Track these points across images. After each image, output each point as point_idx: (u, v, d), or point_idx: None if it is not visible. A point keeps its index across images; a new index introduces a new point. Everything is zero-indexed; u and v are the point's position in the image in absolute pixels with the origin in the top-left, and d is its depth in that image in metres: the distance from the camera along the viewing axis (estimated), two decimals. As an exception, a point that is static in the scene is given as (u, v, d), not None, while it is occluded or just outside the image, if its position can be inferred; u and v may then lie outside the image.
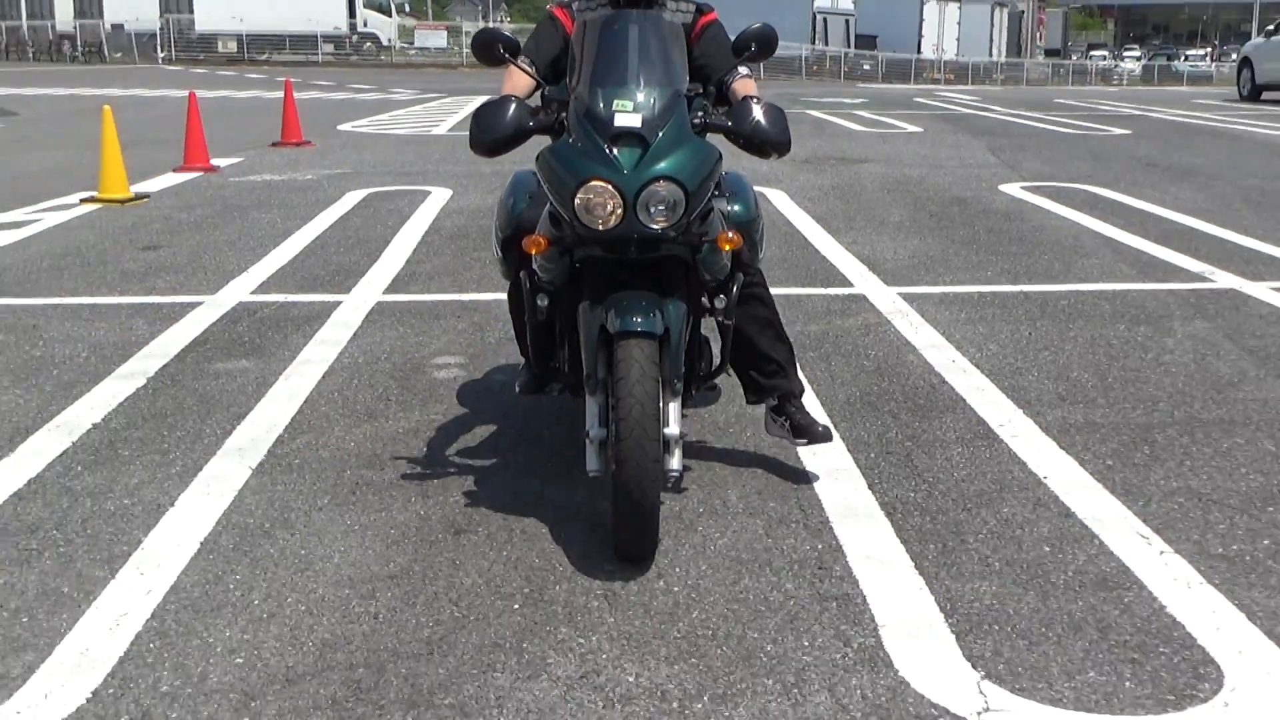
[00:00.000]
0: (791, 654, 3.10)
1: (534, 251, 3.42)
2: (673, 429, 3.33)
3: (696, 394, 3.83)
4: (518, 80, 3.76)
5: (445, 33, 52.75)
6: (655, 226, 3.22)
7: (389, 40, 49.36)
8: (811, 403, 4.97)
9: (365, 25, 48.49)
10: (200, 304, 6.91)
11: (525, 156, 3.69)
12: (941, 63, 52.57)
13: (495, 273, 7.70)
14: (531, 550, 3.71)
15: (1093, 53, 71.53)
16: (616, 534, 3.37)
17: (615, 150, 3.22)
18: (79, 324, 6.48)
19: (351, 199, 10.94)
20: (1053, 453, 4.52)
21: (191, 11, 43.72)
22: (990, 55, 56.31)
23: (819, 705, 2.87)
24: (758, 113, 3.45)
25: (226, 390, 5.33)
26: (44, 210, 10.28)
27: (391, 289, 7.35)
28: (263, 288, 7.35)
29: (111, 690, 2.94)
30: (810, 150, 15.70)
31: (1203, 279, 7.57)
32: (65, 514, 3.99)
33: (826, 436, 4.05)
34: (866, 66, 50.78)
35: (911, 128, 19.93)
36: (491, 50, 3.60)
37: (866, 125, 20.36)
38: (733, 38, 3.81)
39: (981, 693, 2.91)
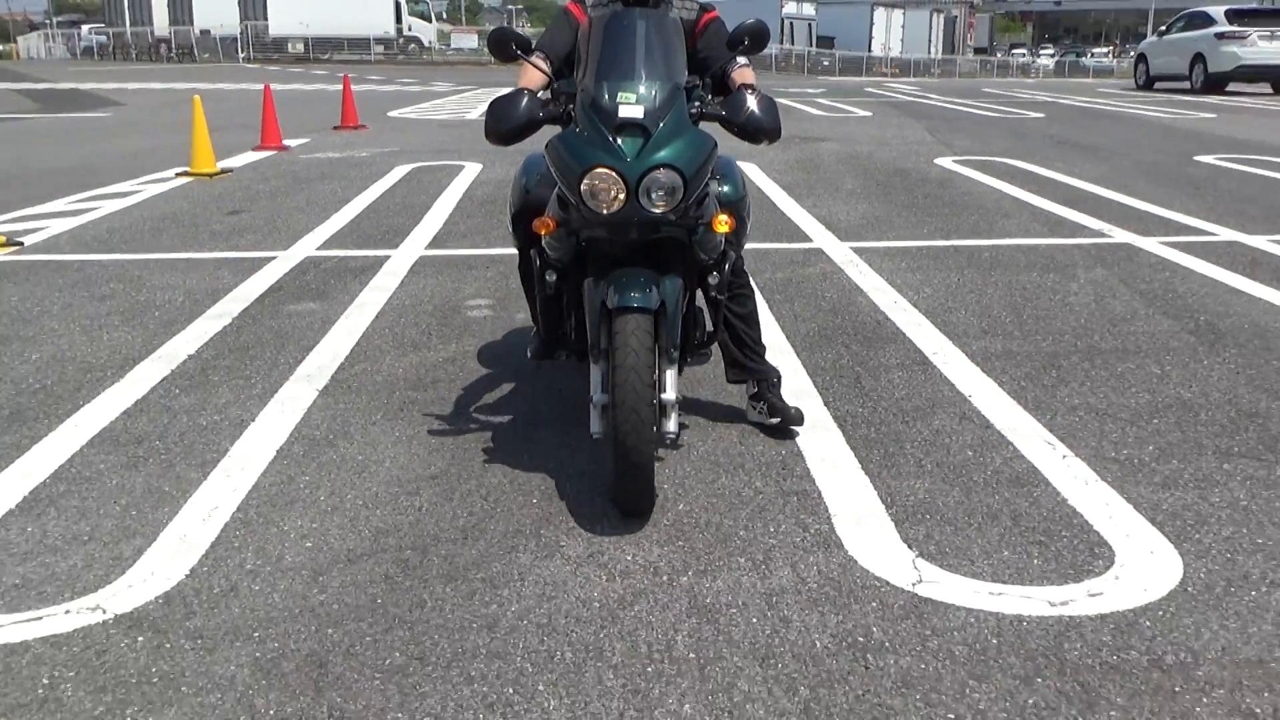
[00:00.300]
0: (760, 538, 3.11)
1: (543, 232, 3.26)
2: (669, 394, 3.14)
3: (692, 360, 3.66)
4: (531, 75, 3.56)
5: (476, 36, 52.25)
6: (655, 210, 3.02)
7: (429, 42, 48.94)
8: (777, 336, 4.98)
9: (410, 30, 48.06)
10: (275, 258, 6.86)
11: (538, 143, 3.61)
12: (888, 59, 51.93)
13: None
14: (547, 458, 3.71)
15: (1014, 50, 70.62)
16: (616, 491, 3.15)
17: (619, 139, 3.03)
18: (175, 274, 6.45)
19: (399, 172, 10.85)
20: (976, 376, 4.51)
21: (266, 18, 43.23)
22: (929, 53, 55.66)
23: (782, 578, 2.89)
24: (752, 103, 3.27)
25: (297, 327, 5.31)
26: (146, 183, 10.20)
27: (432, 245, 7.31)
28: (326, 244, 7.31)
29: (205, 568, 2.95)
30: (790, 132, 15.52)
31: (1102, 235, 7.52)
32: (166, 428, 3.99)
33: (799, 419, 3.86)
34: (825, 63, 50.13)
35: (862, 112, 19.75)
36: (505, 47, 3.42)
37: (825, 110, 20.18)
38: None
39: (916, 568, 2.93)
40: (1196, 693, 2.37)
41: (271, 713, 2.32)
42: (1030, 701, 2.35)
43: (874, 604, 2.75)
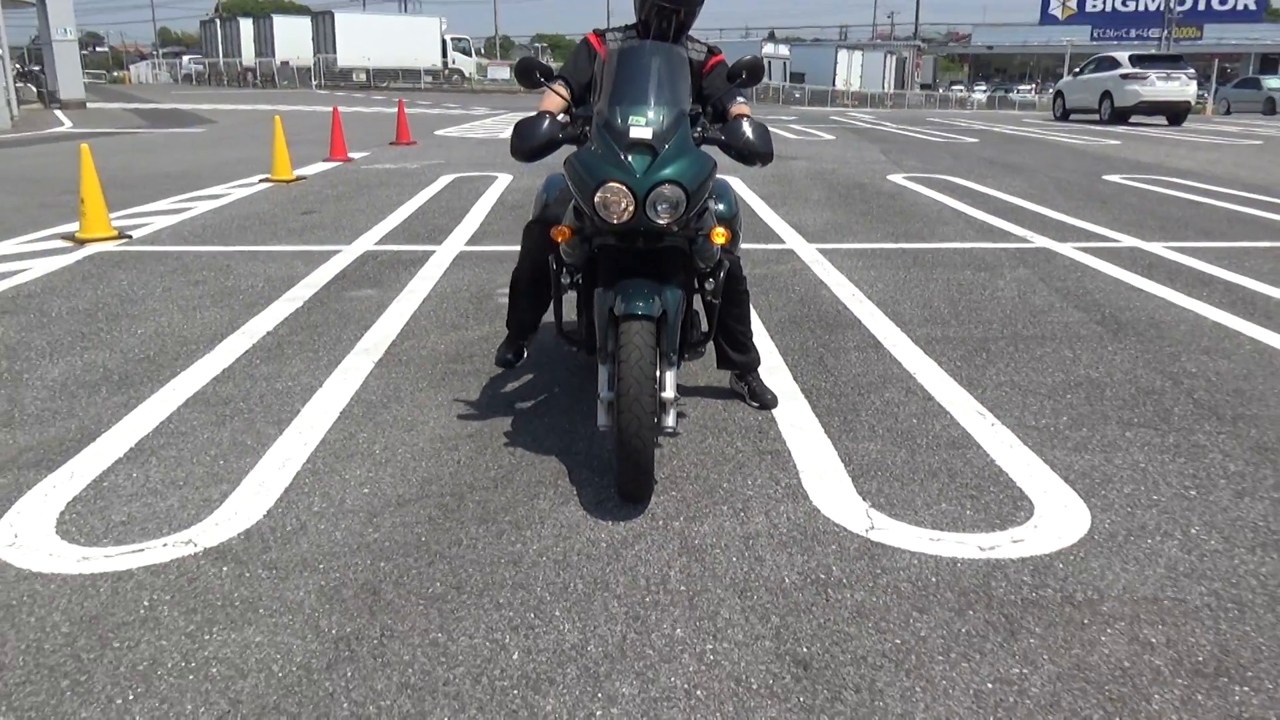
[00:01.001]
0: (739, 490, 3.08)
1: (560, 239, 3.14)
2: (669, 393, 2.96)
3: (688, 356, 3.49)
4: (551, 99, 3.47)
5: (509, 68, 51.78)
6: (661, 221, 2.89)
7: (470, 74, 48.53)
8: (755, 322, 4.90)
9: (454, 63, 47.63)
10: (340, 251, 6.81)
11: (557, 162, 3.55)
12: (849, 92, 51.57)
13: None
14: (564, 420, 3.68)
15: (953, 86, 70.13)
16: (619, 479, 2.94)
17: (630, 157, 2.91)
18: (257, 264, 6.39)
19: (443, 181, 10.77)
20: (920, 357, 4.46)
21: (335, 52, 42.87)
22: (883, 87, 55.27)
23: (758, 524, 2.85)
24: (748, 129, 3.15)
25: (357, 309, 5.26)
26: (234, 187, 10.12)
27: (470, 242, 7.24)
28: (382, 240, 7.24)
29: (280, 509, 2.92)
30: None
31: (1025, 240, 7.45)
32: (248, 391, 3.95)
33: (774, 403, 3.78)
34: (797, 95, 49.74)
35: (828, 136, 19.60)
36: (530, 75, 3.31)
37: (797, 134, 20.03)
38: None
39: (869, 516, 2.90)
40: (1102, 625, 2.34)
41: (333, 632, 2.30)
42: (963, 630, 2.32)
43: (834, 546, 2.72)
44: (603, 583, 2.52)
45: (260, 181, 10.47)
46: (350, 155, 13.11)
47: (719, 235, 3.10)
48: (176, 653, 2.21)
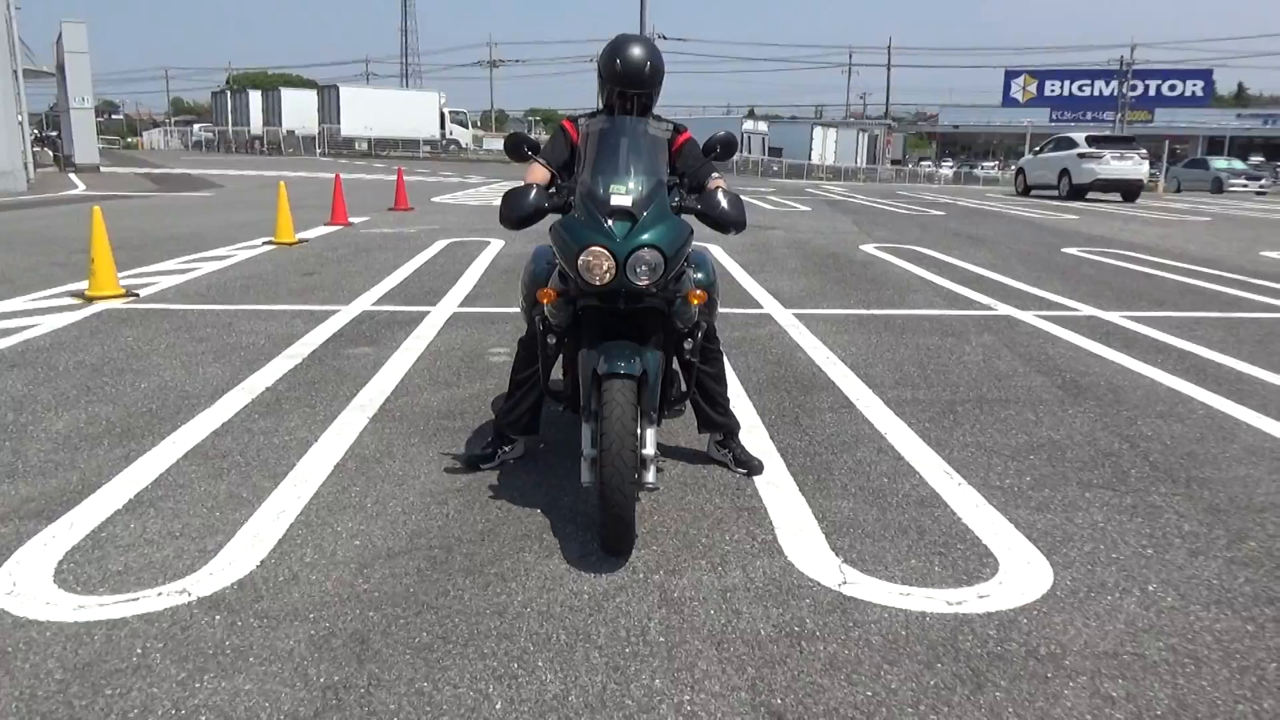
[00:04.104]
0: (718, 545, 3.06)
1: (545, 301, 3.14)
2: (649, 449, 2.93)
3: (668, 414, 3.42)
4: (537, 171, 3.50)
5: (503, 139, 52.54)
6: (640, 283, 2.92)
7: (466, 144, 49.10)
8: (734, 382, 4.93)
9: (451, 134, 48.20)
10: (339, 310, 6.81)
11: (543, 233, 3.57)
12: (824, 166, 52.40)
13: (531, 295, 7.70)
14: (549, 475, 3.66)
15: (921, 162, 71.35)
16: (601, 533, 2.91)
17: (610, 223, 2.95)
18: (259, 322, 6.39)
19: (439, 245, 10.83)
20: (890, 418, 4.48)
21: (339, 123, 43.34)
22: (855, 162, 56.24)
23: (735, 578, 2.84)
24: (722, 199, 3.20)
25: (354, 367, 5.25)
26: (239, 249, 10.15)
27: (464, 304, 7.27)
28: (379, 301, 7.26)
29: (273, 560, 2.89)
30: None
31: (989, 309, 7.53)
32: (245, 445, 3.93)
33: (760, 469, 3.71)
34: (775, 168, 50.44)
35: (804, 207, 19.87)
36: (519, 149, 3.39)
37: (774, 205, 20.29)
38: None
39: (841, 572, 2.88)
40: (1065, 678, 2.33)
41: (321, 680, 2.26)
42: (932, 683, 2.30)
43: (808, 600, 2.70)
44: (584, 634, 2.49)
45: (264, 244, 10.51)
46: (350, 220, 13.18)
47: (695, 297, 3.14)
48: (167, 700, 2.17)
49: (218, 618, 2.54)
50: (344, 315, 6.65)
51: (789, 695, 2.23)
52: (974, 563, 2.97)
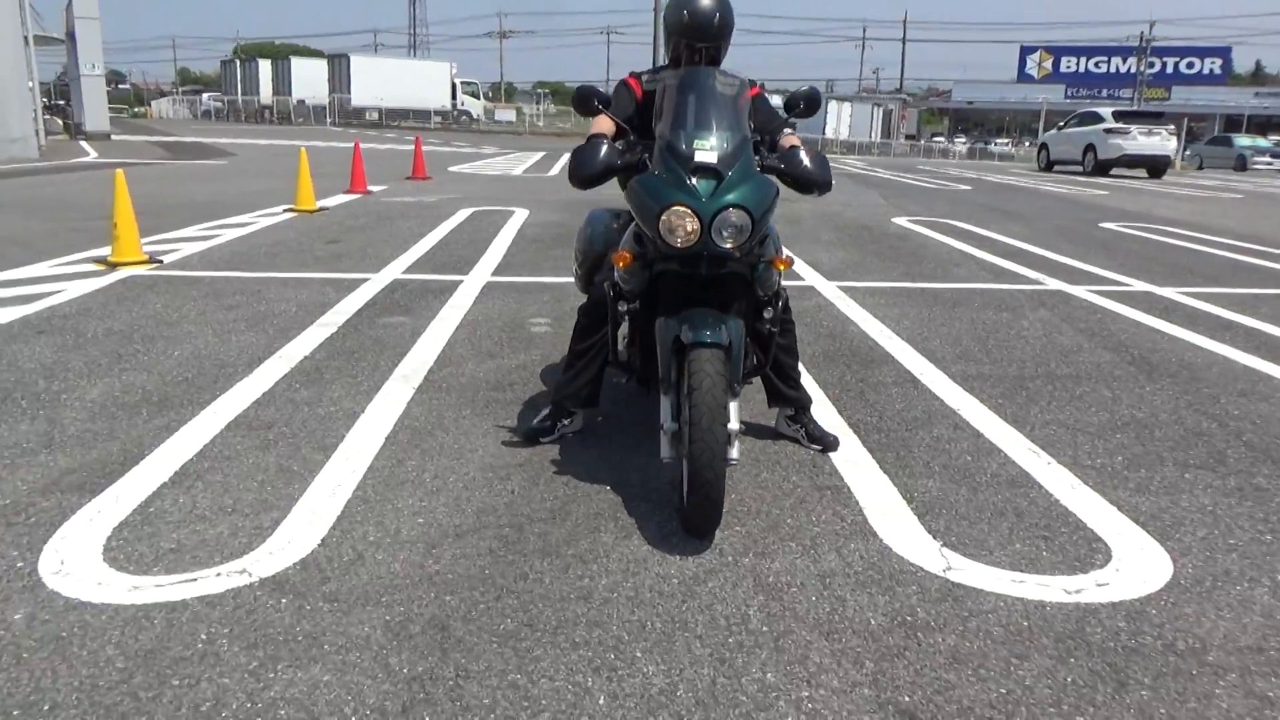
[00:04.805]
0: (805, 526, 2.88)
1: (620, 265, 2.95)
2: (733, 424, 2.70)
3: (739, 386, 3.21)
4: (602, 122, 3.33)
5: (514, 111, 52.00)
6: (725, 246, 2.71)
7: (478, 115, 48.62)
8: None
9: (462, 105, 47.73)
10: (369, 279, 6.61)
11: (596, 200, 3.37)
12: (838, 141, 51.87)
13: (564, 263, 7.47)
14: (612, 450, 3.48)
15: (934, 138, 70.66)
16: (687, 514, 2.70)
17: (694, 181, 2.74)
18: (289, 290, 6.19)
19: (462, 214, 10.61)
20: (959, 394, 4.28)
21: (349, 92, 42.87)
22: (869, 137, 55.67)
23: (830, 562, 2.65)
24: (805, 158, 3.00)
25: (392, 336, 5.06)
26: (259, 216, 9.94)
27: (496, 273, 7.06)
28: (410, 269, 7.06)
29: (334, 538, 2.71)
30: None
31: (1038, 283, 7.31)
32: (290, 416, 3.74)
33: (835, 445, 3.51)
34: (789, 142, 50.10)
35: (826, 181, 19.52)
36: (589, 103, 3.19)
37: (796, 178, 19.93)
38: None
39: (943, 556, 2.69)
40: (1212, 675, 2.14)
41: (405, 671, 2.08)
42: (1069, 680, 2.11)
43: (914, 587, 2.51)
44: (681, 622, 2.31)
45: (284, 211, 10.30)
46: (370, 188, 12.95)
47: (781, 263, 2.94)
48: (241, 692, 1.99)
49: (284, 601, 2.36)
50: (374, 284, 6.45)
51: (916, 692, 2.05)
52: (1083, 548, 2.78)
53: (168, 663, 2.09)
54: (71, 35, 24.28)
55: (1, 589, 2.39)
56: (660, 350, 2.86)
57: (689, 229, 2.74)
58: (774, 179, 2.94)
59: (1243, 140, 37.43)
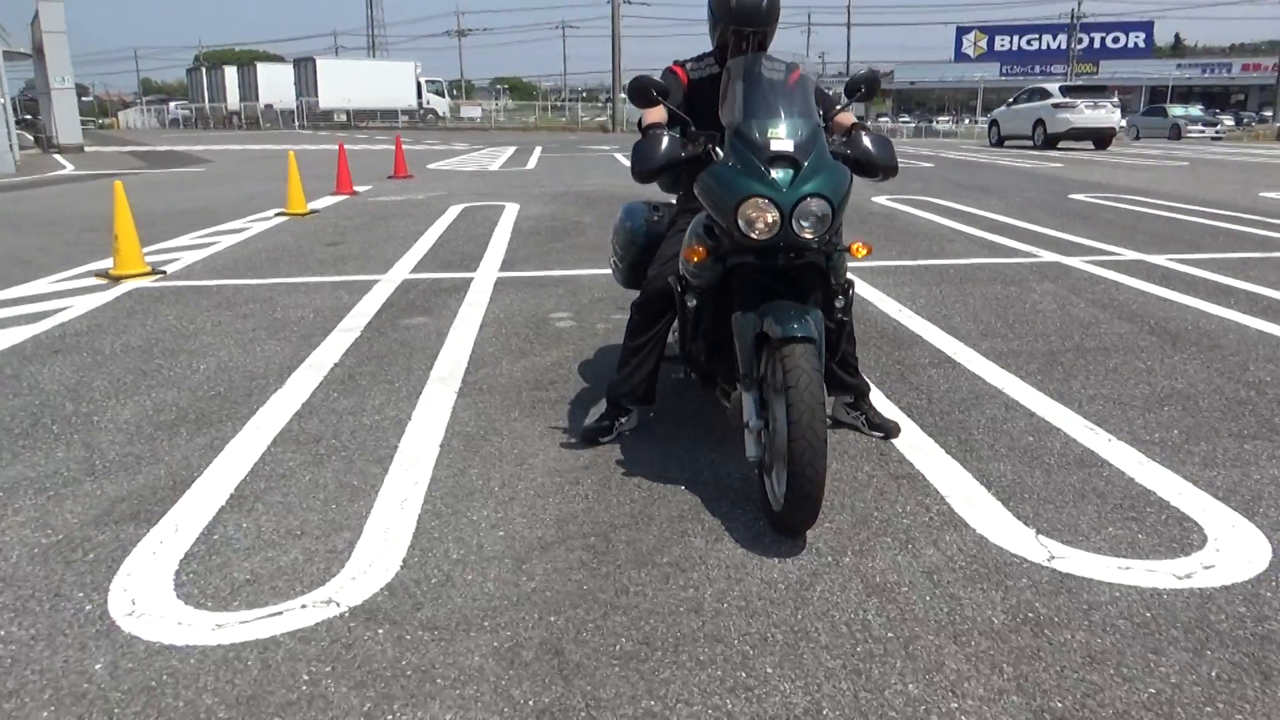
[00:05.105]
0: (894, 519, 2.71)
1: (694, 260, 2.73)
2: None
3: None
4: (657, 112, 3.15)
5: (479, 108, 51.21)
6: (805, 236, 2.54)
7: (444, 113, 47.86)
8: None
9: (428, 103, 46.94)
10: (379, 280, 6.35)
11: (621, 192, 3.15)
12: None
13: (570, 255, 7.24)
14: (676, 447, 3.29)
15: (880, 118, 70.85)
16: (784, 514, 2.51)
17: (771, 171, 2.56)
18: (300, 295, 5.92)
19: (454, 211, 10.31)
20: (997, 371, 4.13)
21: (317, 95, 41.94)
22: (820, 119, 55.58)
23: (931, 556, 2.48)
24: (868, 141, 2.84)
25: (417, 337, 4.83)
26: (251, 221, 9.58)
27: (503, 269, 6.81)
28: (417, 269, 6.79)
29: (415, 559, 2.50)
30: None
31: (1033, 255, 7.20)
32: (336, 427, 3.51)
33: (897, 431, 3.34)
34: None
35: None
36: (647, 94, 2.93)
37: (764, 163, 19.71)
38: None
39: (1042, 544, 2.54)
40: (1359, 660, 2.00)
41: (530, 703, 1.89)
42: (1213, 674, 1.97)
43: (1024, 580, 2.35)
44: (803, 632, 2.13)
45: (276, 215, 9.95)
46: (355, 189, 12.59)
47: (860, 250, 2.76)
48: (363, 740, 1.78)
49: (380, 631, 2.15)
50: (385, 285, 6.19)
51: (1066, 697, 1.89)
52: (1175, 529, 2.63)
53: (274, 709, 1.88)
54: (39, 50, 23.45)
55: (75, 635, 2.16)
56: (740, 345, 2.68)
57: (769, 220, 2.56)
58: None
59: (1176, 110, 37.82)
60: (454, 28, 79.66)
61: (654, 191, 3.53)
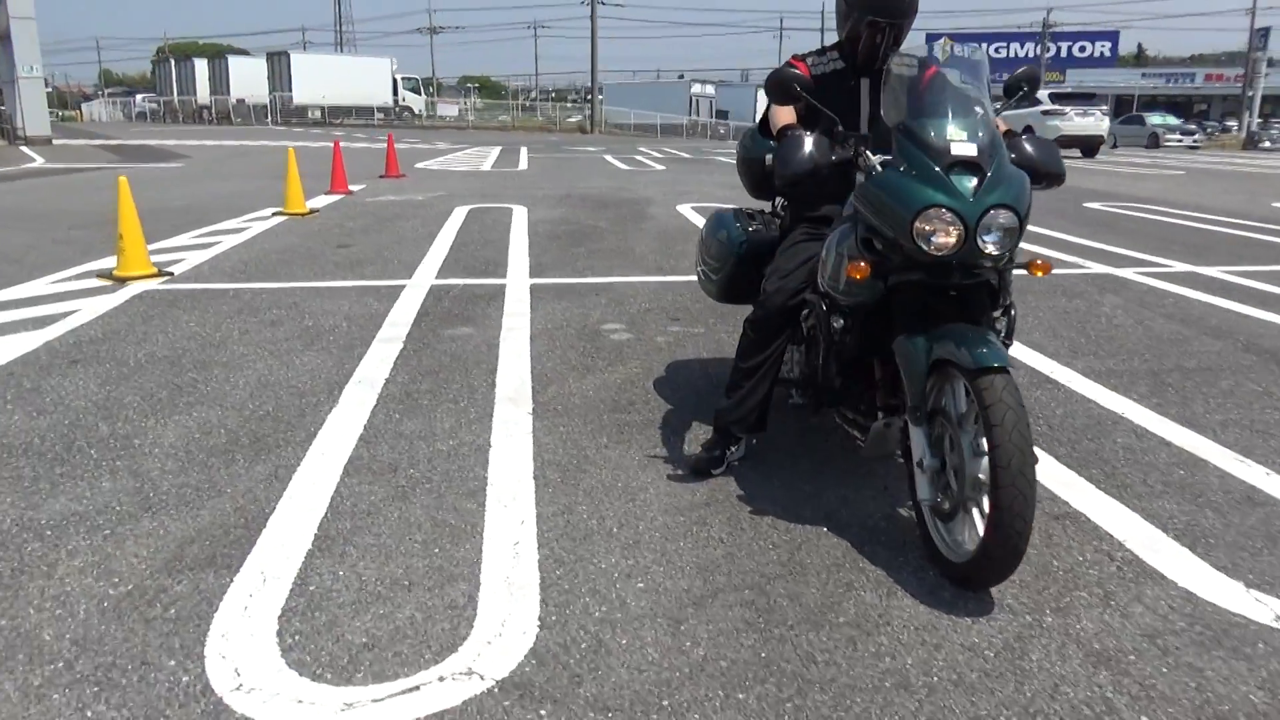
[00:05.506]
0: (1078, 570, 2.43)
1: (858, 278, 2.43)
2: None
3: None
4: (788, 113, 2.87)
5: (456, 107, 50.50)
6: (991, 251, 2.27)
7: (419, 110, 47.16)
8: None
9: (403, 100, 46.26)
10: (405, 285, 5.99)
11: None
12: (772, 129, 51.74)
13: (598, 261, 6.92)
14: (796, 479, 2.99)
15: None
16: (975, 568, 2.21)
17: (952, 178, 2.28)
18: (326, 300, 5.54)
19: (460, 213, 9.93)
20: (1106, 393, 3.88)
21: (291, 90, 41.13)
22: (799, 124, 55.79)
23: (1141, 616, 2.21)
24: (1031, 146, 2.58)
25: (466, 350, 4.48)
26: (251, 221, 9.14)
27: (534, 275, 6.47)
28: (441, 274, 6.43)
29: (553, 617, 2.18)
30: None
31: (1079, 266, 7.00)
32: (410, 454, 3.17)
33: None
34: (722, 130, 49.64)
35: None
36: (789, 89, 2.68)
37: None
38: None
39: (1260, 601, 2.27)
40: None
41: (759, 814, 1.57)
42: None
43: (1260, 645, 2.08)
44: (1041, 715, 1.84)
45: (274, 214, 9.51)
46: (350, 188, 12.15)
47: (1039, 268, 2.49)
48: None
49: (543, 712, 1.83)
50: (413, 291, 5.83)
51: (1384, 800, 1.61)
52: (1390, 579, 2.38)
53: (451, 823, 1.55)
54: (4, 36, 22.63)
55: (174, 716, 1.82)
56: (909, 374, 2.39)
57: (950, 234, 2.27)
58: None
59: (1154, 119, 38.11)
60: (424, 25, 78.83)
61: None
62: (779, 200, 3.69)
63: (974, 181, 2.30)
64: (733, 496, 2.85)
